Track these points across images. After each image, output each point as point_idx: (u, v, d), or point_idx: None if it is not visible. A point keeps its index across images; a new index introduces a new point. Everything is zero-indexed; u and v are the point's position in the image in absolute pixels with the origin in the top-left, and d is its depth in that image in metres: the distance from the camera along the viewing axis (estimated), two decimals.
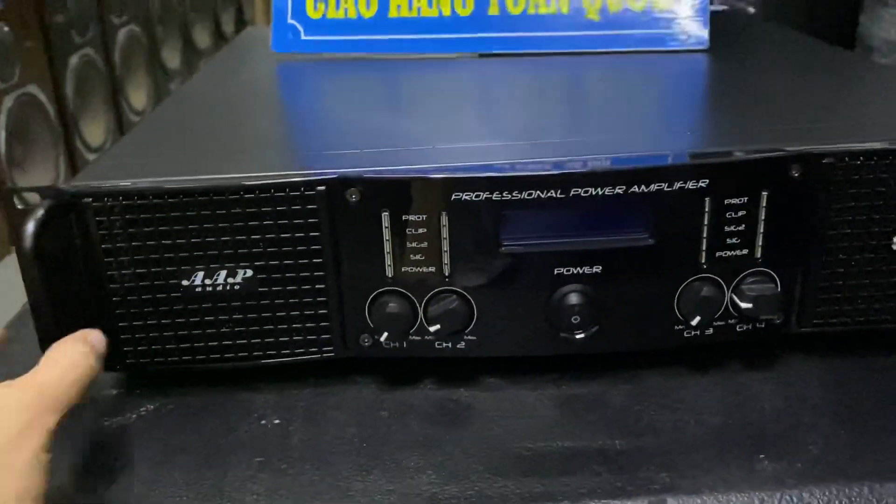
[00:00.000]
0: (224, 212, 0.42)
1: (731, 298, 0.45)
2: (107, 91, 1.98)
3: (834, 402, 0.43)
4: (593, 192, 0.42)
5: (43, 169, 1.68)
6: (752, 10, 1.35)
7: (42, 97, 1.67)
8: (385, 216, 0.43)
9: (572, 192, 0.42)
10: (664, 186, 0.42)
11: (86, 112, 1.86)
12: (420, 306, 0.44)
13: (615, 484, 0.38)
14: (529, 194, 0.42)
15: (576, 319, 0.44)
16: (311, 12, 0.72)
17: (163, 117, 0.58)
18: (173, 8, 2.37)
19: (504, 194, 0.42)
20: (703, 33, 0.70)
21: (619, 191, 0.42)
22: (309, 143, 0.50)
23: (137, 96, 2.15)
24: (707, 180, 0.42)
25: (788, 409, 0.43)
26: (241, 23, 2.83)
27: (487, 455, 0.40)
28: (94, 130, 1.91)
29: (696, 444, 0.40)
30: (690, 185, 0.42)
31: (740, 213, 0.43)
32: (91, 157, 1.87)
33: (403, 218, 0.43)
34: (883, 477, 0.38)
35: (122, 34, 2.05)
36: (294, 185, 0.42)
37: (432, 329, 0.44)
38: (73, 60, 1.80)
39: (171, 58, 2.36)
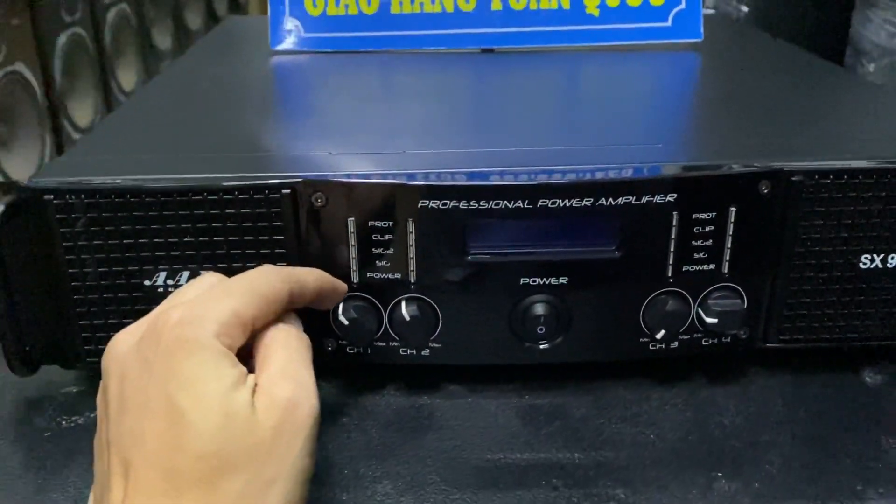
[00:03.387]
0: (187, 213, 0.42)
1: (697, 313, 0.45)
2: (95, 71, 1.96)
3: (795, 419, 0.43)
4: (561, 204, 0.42)
5: (28, 148, 1.66)
6: (744, 8, 1.34)
7: (29, 75, 1.65)
8: (350, 221, 0.42)
9: (539, 203, 0.42)
10: (632, 200, 0.42)
11: (74, 92, 1.84)
12: (385, 313, 0.44)
13: (571, 499, 0.38)
14: (497, 204, 0.42)
15: (541, 329, 0.44)
16: (311, 9, 0.71)
17: (133, 111, 0.57)
18: None
19: (471, 203, 0.42)
20: (698, 26, 0.71)
21: (587, 203, 0.42)
22: (280, 143, 0.49)
23: (127, 77, 2.12)
24: (675, 195, 0.42)
25: (749, 425, 0.43)
26: (234, 5, 2.80)
27: (445, 466, 0.40)
28: (82, 110, 1.89)
29: (655, 460, 0.40)
30: (658, 199, 0.42)
31: (708, 228, 0.43)
32: (78, 137, 1.86)
33: (369, 224, 0.42)
34: (838, 500, 0.38)
35: (111, 14, 2.03)
36: (258, 188, 0.41)
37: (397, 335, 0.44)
38: (62, 39, 1.77)
39: (162, 39, 2.34)
